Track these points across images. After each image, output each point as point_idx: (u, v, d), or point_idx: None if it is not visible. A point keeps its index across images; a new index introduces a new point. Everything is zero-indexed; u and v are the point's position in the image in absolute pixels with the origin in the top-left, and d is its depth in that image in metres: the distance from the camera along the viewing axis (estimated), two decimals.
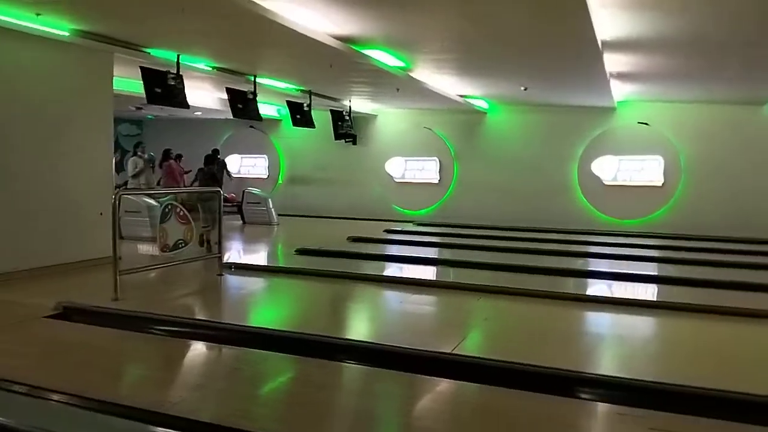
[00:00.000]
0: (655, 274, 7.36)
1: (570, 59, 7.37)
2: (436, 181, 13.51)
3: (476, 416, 2.86)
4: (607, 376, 3.43)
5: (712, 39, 6.49)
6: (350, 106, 12.04)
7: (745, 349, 4.10)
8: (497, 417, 2.80)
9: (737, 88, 9.60)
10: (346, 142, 12.24)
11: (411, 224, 12.33)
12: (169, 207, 5.77)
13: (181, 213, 5.75)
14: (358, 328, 4.98)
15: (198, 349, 4.04)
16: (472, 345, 4.15)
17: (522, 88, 10.04)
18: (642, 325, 4.92)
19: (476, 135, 13.19)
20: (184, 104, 7.35)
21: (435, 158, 13.48)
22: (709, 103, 11.02)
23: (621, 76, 8.77)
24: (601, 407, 3.06)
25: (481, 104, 12.31)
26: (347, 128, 11.91)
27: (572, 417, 2.81)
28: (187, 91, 7.36)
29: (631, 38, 6.50)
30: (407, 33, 6.57)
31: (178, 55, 7.14)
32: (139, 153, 10.75)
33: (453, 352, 3.75)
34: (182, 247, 5.73)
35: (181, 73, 7.21)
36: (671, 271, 7.54)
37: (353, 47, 6.94)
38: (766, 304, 5.05)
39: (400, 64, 8.10)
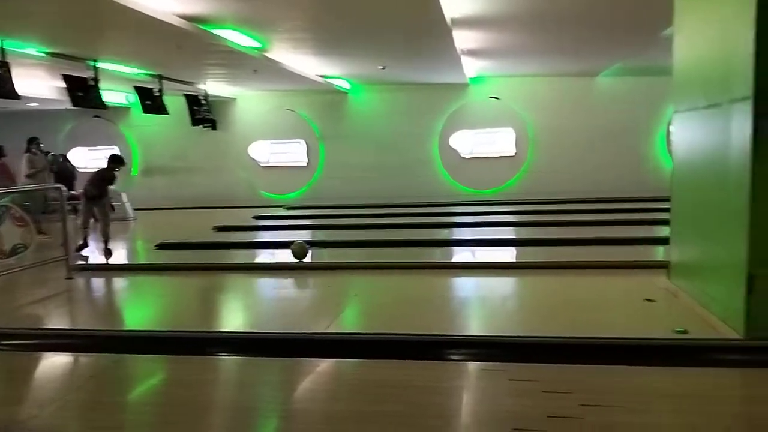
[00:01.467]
0: (512, 237, 7.89)
1: (421, 37, 7.57)
2: (305, 164, 13.39)
3: (353, 391, 2.90)
4: (472, 336, 3.62)
5: (549, 16, 6.97)
6: (206, 90, 11.51)
7: (595, 298, 4.52)
8: (374, 388, 2.85)
9: (574, 61, 10.46)
10: (204, 127, 11.70)
11: (281, 209, 12.15)
12: (2, 209, 5.18)
13: (17, 215, 5.18)
14: (231, 320, 4.83)
15: (49, 360, 3.68)
16: (346, 322, 4.19)
17: (380, 67, 10.18)
18: (502, 285, 5.24)
19: (340, 115, 13.23)
20: (13, 95, 6.58)
21: (301, 140, 13.34)
22: (552, 76, 11.93)
23: (471, 53, 9.18)
24: (469, 366, 3.22)
25: (343, 84, 12.33)
26: (205, 113, 11.39)
27: (442, 378, 2.93)
28: (16, 80, 6.60)
29: (478, 16, 6.80)
30: (259, 12, 6.36)
31: (2, 40, 6.38)
32: (33, 150, 9.21)
33: (327, 331, 3.75)
34: (21, 251, 5.18)
35: (6, 60, 6.44)
36: (526, 233, 8.12)
37: (203, 27, 6.60)
38: (617, 257, 5.58)
39: (256, 44, 7.85)
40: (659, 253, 5.51)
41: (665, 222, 4.84)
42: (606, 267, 5.26)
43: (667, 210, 4.64)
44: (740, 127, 3.21)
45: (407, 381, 2.88)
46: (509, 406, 2.59)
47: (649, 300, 4.16)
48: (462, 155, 12.74)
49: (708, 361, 3.11)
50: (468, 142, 12.75)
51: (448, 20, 6.57)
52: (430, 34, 7.24)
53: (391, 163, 12.75)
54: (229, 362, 3.59)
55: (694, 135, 4.05)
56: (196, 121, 11.26)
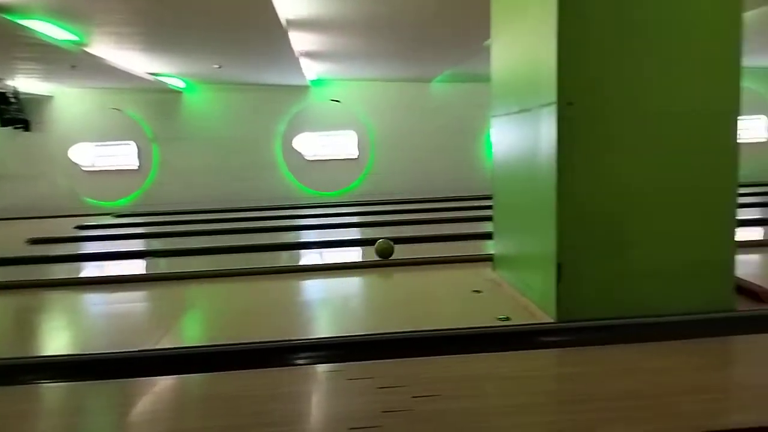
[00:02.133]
0: (356, 237, 8.03)
1: (256, 37, 7.44)
2: (135, 167, 12.50)
3: (179, 408, 2.74)
4: (312, 339, 3.61)
5: (382, 21, 7.21)
6: (16, 87, 10.28)
7: (430, 292, 4.74)
8: (201, 402, 2.72)
9: (409, 66, 10.93)
10: (15, 128, 10.47)
11: (109, 217, 11.21)
12: None
13: None
14: (49, 342, 4.33)
15: None
16: (182, 335, 3.97)
17: (215, 66, 9.83)
18: (345, 285, 5.31)
19: (175, 115, 12.56)
20: None
21: (131, 142, 12.44)
22: (390, 80, 12.38)
23: (310, 55, 9.20)
24: (310, 369, 3.20)
25: (177, 83, 11.71)
26: (15, 112, 10.20)
27: (282, 384, 2.88)
28: None
29: (314, 18, 6.83)
30: (74, 2, 5.81)
31: None
32: None
33: (157, 347, 3.52)
34: None
35: None
36: (371, 233, 8.31)
37: (7, 16, 5.88)
38: (450, 252, 5.91)
39: (73, 37, 7.16)
40: (488, 247, 5.92)
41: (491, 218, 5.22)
42: (440, 262, 5.57)
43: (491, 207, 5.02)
44: (547, 129, 3.56)
45: (243, 391, 2.79)
46: (346, 406, 2.62)
47: (476, 291, 4.46)
48: (306, 158, 12.73)
49: (527, 345, 3.40)
50: (311, 145, 12.77)
51: (283, 21, 6.51)
52: (264, 34, 7.13)
53: (233, 166, 12.38)
54: (50, 390, 3.21)
55: (509, 137, 4.42)
56: (5, 122, 10.08)
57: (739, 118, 3.54)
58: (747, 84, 14.43)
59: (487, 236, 5.48)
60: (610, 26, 3.42)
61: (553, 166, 3.46)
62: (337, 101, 12.50)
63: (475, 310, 4.09)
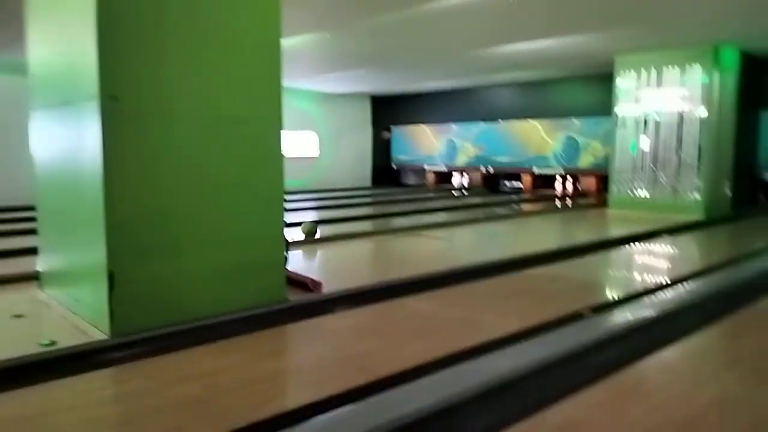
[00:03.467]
0: None
1: None
2: None
3: None
4: None
5: None
6: None
7: None
8: None
9: None
10: None
11: None
12: None
13: None
14: None
15: None
16: None
17: None
18: None
19: None
20: None
21: None
22: None
23: None
24: None
25: None
26: None
27: None
28: None
29: None
30: None
31: None
32: None
33: None
34: None
35: None
36: None
37: None
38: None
39: None
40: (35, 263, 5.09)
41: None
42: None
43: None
44: (91, 126, 3.19)
45: None
46: None
47: (17, 316, 3.73)
48: None
49: (79, 368, 2.97)
50: None
51: None
52: None
53: None
54: None
55: (52, 135, 3.85)
56: None
57: (283, 130, 3.88)
58: (299, 104, 16.60)
59: (34, 251, 4.70)
60: (150, 25, 3.28)
61: (99, 166, 3.13)
62: None
63: (15, 337, 3.40)
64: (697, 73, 9.36)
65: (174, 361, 2.98)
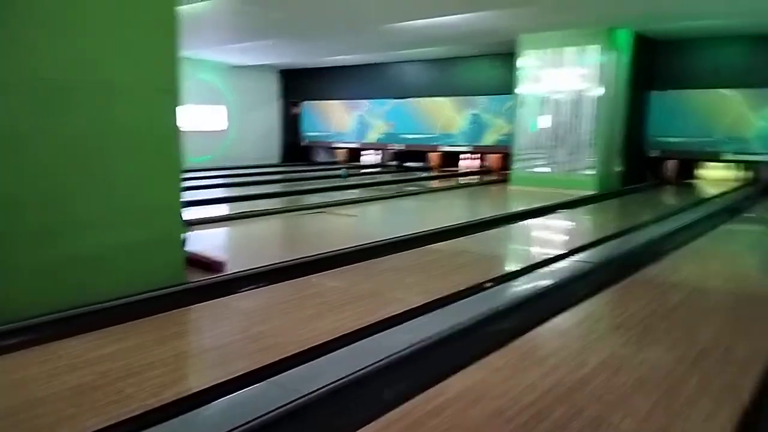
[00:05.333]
0: None
1: None
2: None
3: None
4: None
5: None
6: None
7: None
8: None
9: None
10: None
11: None
12: None
13: None
14: None
15: None
16: None
17: None
18: None
19: None
20: None
21: None
22: None
23: None
24: None
25: None
26: None
27: None
28: None
29: None
30: None
31: None
32: None
33: None
34: None
35: None
36: None
37: None
38: None
39: None
40: None
41: None
42: None
43: None
44: None
45: None
46: None
47: None
48: None
49: None
50: None
51: None
52: None
53: None
54: None
55: None
56: None
57: (180, 99, 3.68)
58: (206, 77, 15.85)
59: None
60: None
61: None
62: None
63: None
64: (594, 53, 9.86)
65: (68, 347, 2.80)
